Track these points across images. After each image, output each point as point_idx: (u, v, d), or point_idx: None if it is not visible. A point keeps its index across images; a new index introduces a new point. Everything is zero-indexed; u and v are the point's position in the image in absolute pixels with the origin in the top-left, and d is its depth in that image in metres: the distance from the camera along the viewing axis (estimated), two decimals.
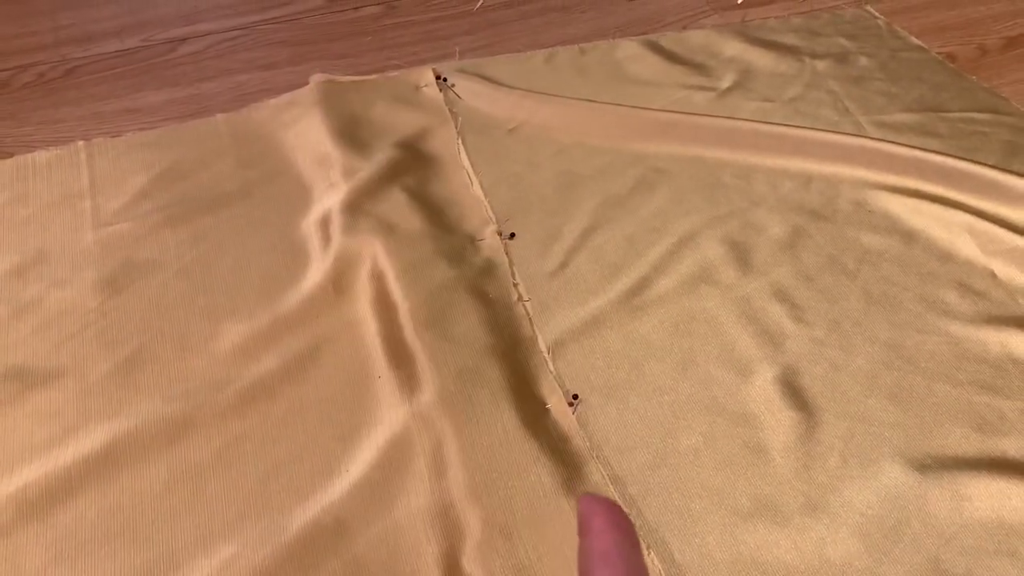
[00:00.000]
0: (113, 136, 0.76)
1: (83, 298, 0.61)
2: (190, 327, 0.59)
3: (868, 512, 0.48)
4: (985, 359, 0.57)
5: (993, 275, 0.62)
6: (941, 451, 0.51)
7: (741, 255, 0.64)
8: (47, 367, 0.56)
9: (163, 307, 0.60)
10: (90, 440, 0.51)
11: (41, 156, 0.73)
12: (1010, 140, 0.74)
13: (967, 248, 0.64)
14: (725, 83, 0.82)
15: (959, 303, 0.61)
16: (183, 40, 0.90)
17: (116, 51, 0.89)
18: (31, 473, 0.49)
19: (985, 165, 0.69)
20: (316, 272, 0.62)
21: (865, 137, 0.73)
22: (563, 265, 0.64)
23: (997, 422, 0.53)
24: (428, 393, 0.53)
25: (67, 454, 0.50)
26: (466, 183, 0.71)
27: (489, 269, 0.64)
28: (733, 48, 0.87)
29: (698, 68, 0.84)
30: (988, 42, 0.89)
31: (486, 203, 0.69)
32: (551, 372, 0.56)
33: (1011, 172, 0.68)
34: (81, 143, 0.74)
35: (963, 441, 0.52)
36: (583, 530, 0.26)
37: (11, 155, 0.73)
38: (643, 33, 0.90)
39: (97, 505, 0.48)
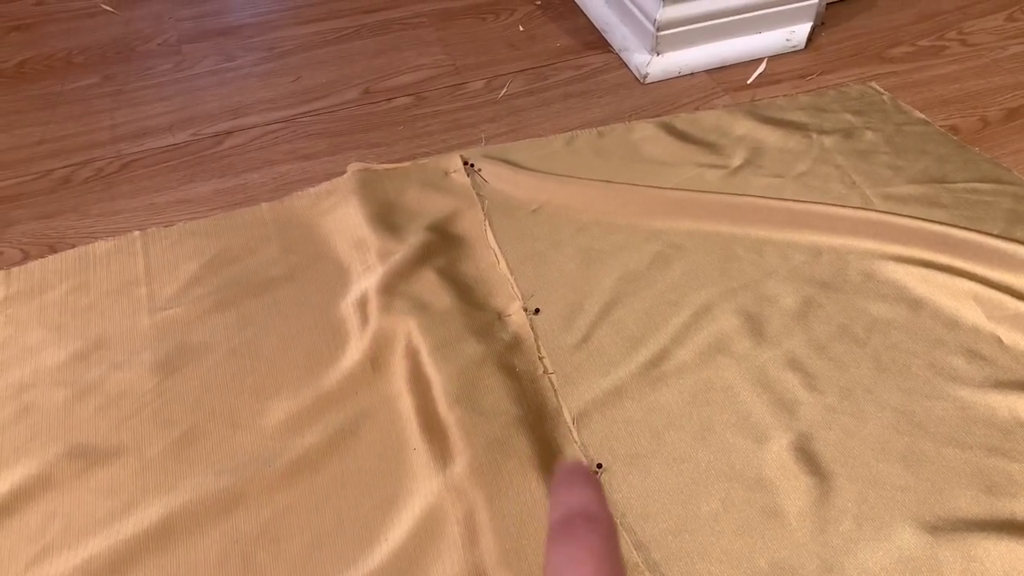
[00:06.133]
0: (166, 226, 0.82)
1: (140, 379, 0.65)
2: (239, 405, 0.63)
3: (882, 574, 0.50)
4: (993, 423, 0.59)
5: (999, 340, 0.65)
6: (952, 514, 0.53)
7: (755, 326, 0.68)
8: (108, 445, 0.60)
9: (214, 387, 0.65)
10: (148, 514, 0.55)
11: (100, 247, 0.79)
12: (1013, 209, 0.77)
13: (973, 315, 0.67)
14: (736, 161, 0.87)
15: (967, 368, 0.63)
16: (229, 133, 0.97)
17: (168, 145, 0.96)
18: (96, 546, 0.53)
19: (989, 234, 0.72)
20: (355, 350, 0.66)
21: (872, 210, 0.77)
22: (585, 338, 0.68)
23: (1006, 484, 0.55)
24: (460, 464, 0.57)
25: (127, 527, 0.55)
26: (493, 262, 0.76)
27: (516, 344, 0.68)
28: (743, 127, 0.92)
29: (710, 147, 0.89)
30: (990, 114, 0.92)
31: (512, 280, 0.73)
32: (576, 442, 0.60)
33: (1014, 240, 0.71)
34: (137, 233, 0.81)
35: (973, 504, 0.54)
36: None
37: (73, 246, 0.80)
38: (657, 115, 0.95)
39: None
